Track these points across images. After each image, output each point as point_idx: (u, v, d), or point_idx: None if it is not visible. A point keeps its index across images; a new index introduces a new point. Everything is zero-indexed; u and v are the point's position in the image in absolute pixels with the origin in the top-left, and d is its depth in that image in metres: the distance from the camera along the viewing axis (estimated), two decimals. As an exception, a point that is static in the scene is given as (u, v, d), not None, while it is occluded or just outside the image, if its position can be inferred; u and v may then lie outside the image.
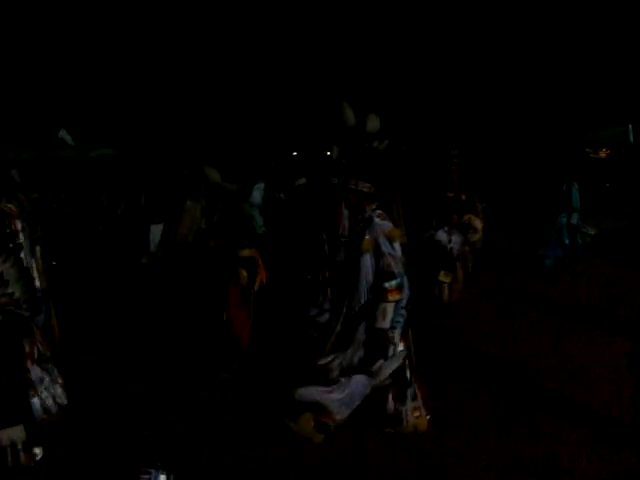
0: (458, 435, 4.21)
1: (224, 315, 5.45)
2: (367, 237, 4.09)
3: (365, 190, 4.21)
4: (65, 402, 4.58)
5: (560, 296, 7.77)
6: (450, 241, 7.04)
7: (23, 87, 15.03)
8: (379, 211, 4.20)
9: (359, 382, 4.10)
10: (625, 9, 19.58)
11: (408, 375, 4.23)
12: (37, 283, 4.75)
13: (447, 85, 19.10)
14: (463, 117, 18.40)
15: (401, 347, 4.13)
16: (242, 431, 4.35)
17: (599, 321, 6.59)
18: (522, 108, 19.27)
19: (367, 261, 4.09)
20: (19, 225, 4.71)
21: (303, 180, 8.54)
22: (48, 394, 4.49)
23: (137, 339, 6.38)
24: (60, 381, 4.63)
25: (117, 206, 9.63)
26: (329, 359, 4.16)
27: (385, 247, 4.05)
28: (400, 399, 4.21)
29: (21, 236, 4.66)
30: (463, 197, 7.17)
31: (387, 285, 4.00)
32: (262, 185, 9.94)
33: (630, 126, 19.44)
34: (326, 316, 6.27)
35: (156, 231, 9.20)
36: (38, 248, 5.04)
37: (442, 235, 7.08)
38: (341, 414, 4.10)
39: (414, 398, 4.25)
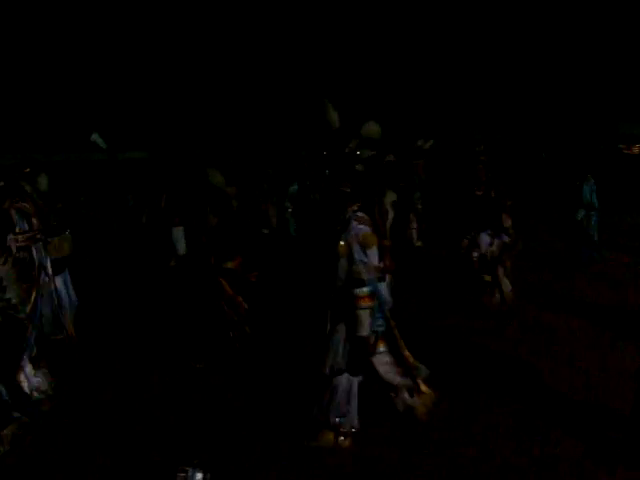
0: (473, 439, 4.22)
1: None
2: (342, 242, 4.08)
3: (347, 191, 4.19)
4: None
5: (588, 296, 7.61)
6: (492, 244, 6.88)
7: (56, 91, 15.32)
8: (360, 213, 4.16)
9: (343, 384, 4.15)
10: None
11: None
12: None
13: (471, 81, 18.89)
14: (488, 113, 18.18)
15: (381, 348, 4.19)
16: (272, 427, 4.41)
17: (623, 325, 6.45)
18: (552, 103, 18.96)
19: (342, 265, 4.09)
20: (36, 222, 4.85)
21: (391, 157, 8.39)
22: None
23: (162, 339, 6.44)
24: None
25: (143, 208, 9.70)
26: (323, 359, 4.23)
27: (357, 254, 4.05)
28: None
29: (35, 231, 4.89)
30: (492, 195, 7.07)
31: (357, 292, 4.04)
32: (295, 187, 9.87)
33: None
34: None
35: (177, 233, 9.23)
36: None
37: (485, 237, 6.92)
38: (350, 423, 4.18)
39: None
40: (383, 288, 4.16)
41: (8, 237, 4.66)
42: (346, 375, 4.15)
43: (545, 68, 19.05)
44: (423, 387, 4.33)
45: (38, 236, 4.99)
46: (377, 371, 4.24)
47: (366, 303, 4.03)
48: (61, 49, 15.28)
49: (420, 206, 10.94)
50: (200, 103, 16.38)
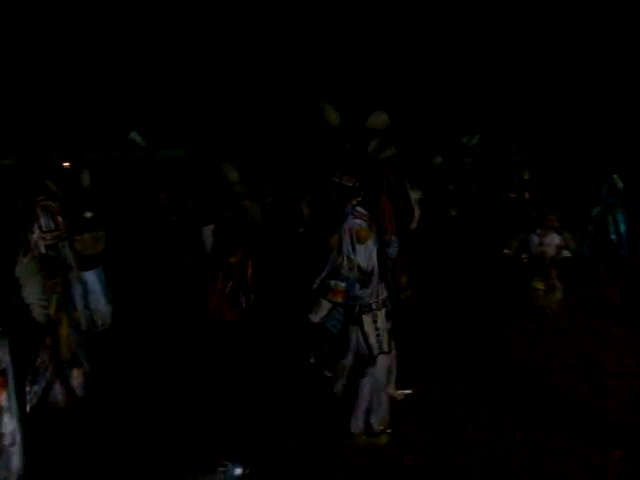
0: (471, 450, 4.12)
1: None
2: (336, 234, 4.00)
3: (349, 185, 4.08)
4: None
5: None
6: (542, 244, 6.59)
7: (95, 89, 15.66)
8: (358, 208, 4.07)
9: (363, 387, 4.10)
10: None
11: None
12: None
13: (499, 78, 18.46)
14: (518, 112, 17.72)
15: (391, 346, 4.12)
16: (305, 423, 4.43)
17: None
18: (583, 99, 18.37)
19: (333, 257, 4.01)
20: (60, 220, 4.93)
21: (439, 159, 8.23)
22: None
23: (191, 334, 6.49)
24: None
25: (174, 206, 9.74)
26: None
27: (346, 248, 3.95)
28: None
29: (62, 229, 4.93)
30: (527, 196, 6.89)
31: (332, 283, 3.92)
32: None
33: None
34: None
35: (207, 232, 9.24)
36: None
37: (534, 238, 6.66)
38: (378, 423, 4.14)
39: None
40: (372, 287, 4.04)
41: (34, 235, 4.72)
42: (366, 378, 4.10)
43: (571, 64, 18.55)
44: None
45: (64, 234, 5.03)
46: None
47: (335, 297, 3.92)
48: (99, 48, 15.63)
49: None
50: (237, 101, 16.49)
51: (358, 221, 4.01)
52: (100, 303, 6.75)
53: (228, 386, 5.16)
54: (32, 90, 14.46)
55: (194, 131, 14.72)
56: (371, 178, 4.32)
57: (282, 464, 3.95)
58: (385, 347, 4.07)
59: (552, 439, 4.15)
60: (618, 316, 6.53)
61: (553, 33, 18.11)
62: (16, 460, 3.24)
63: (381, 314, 4.08)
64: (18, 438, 3.24)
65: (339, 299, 3.93)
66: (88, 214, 6.73)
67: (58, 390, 4.77)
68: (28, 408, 4.09)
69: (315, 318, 3.96)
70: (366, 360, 4.06)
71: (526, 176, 6.96)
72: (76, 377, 4.90)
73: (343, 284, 3.92)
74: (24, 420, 3.42)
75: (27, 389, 4.22)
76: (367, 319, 4.05)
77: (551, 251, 6.47)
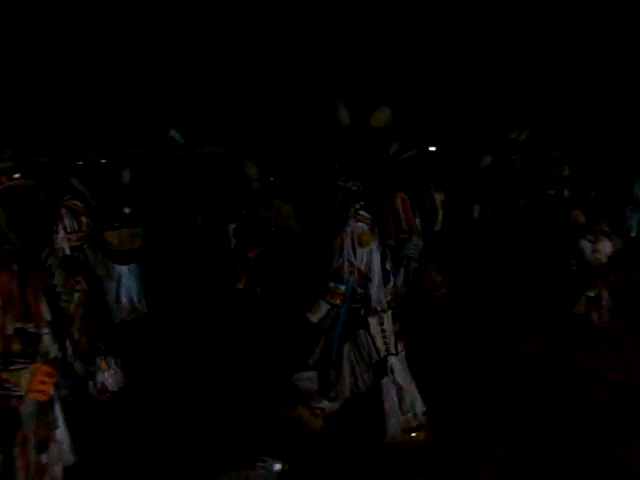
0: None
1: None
2: (338, 237, 4.00)
3: (353, 189, 4.08)
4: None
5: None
6: (595, 250, 6.18)
7: (134, 87, 15.92)
8: (362, 212, 4.05)
9: (386, 388, 4.05)
10: None
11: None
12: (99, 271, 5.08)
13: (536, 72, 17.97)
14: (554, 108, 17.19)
15: (400, 348, 4.09)
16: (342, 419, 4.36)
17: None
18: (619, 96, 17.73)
19: (335, 260, 4.00)
20: (85, 220, 4.99)
21: (488, 159, 8.10)
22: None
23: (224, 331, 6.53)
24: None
25: (204, 203, 9.72)
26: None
27: (347, 250, 3.95)
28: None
29: (86, 230, 4.97)
30: (566, 193, 6.65)
31: (331, 285, 3.95)
32: None
33: None
34: None
35: (232, 230, 9.19)
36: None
37: (586, 245, 6.22)
38: (329, 406, 4.18)
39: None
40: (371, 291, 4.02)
41: (59, 236, 4.75)
42: (385, 379, 4.08)
43: (611, 60, 17.94)
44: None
45: (89, 235, 5.03)
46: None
47: (333, 299, 3.96)
48: (141, 47, 15.88)
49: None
50: (274, 97, 16.53)
51: (360, 224, 4.00)
52: (135, 297, 6.95)
53: (265, 381, 5.13)
54: (74, 88, 14.78)
55: (232, 128, 14.83)
56: (384, 180, 4.32)
57: (320, 461, 3.93)
58: (392, 349, 4.05)
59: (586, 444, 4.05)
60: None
61: (599, 27, 17.60)
62: (67, 450, 3.27)
63: (387, 316, 4.06)
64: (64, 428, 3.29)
65: (337, 301, 3.97)
66: (126, 210, 6.85)
67: (92, 385, 4.83)
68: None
69: (314, 318, 4.01)
70: (378, 363, 4.06)
71: (566, 172, 6.72)
72: (106, 371, 4.95)
73: (343, 287, 3.96)
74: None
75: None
76: (373, 321, 4.04)
77: (603, 258, 6.11)
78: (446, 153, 12.19)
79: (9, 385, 2.79)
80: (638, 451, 3.87)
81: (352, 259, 3.95)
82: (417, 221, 6.59)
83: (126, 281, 6.82)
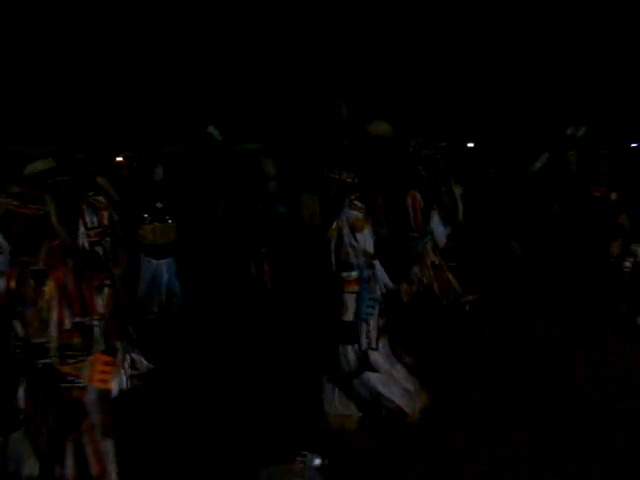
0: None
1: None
2: (334, 225, 4.12)
3: (348, 180, 4.20)
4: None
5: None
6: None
7: (173, 83, 16.10)
8: (356, 202, 4.18)
9: (369, 381, 4.15)
10: None
11: None
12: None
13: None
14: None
15: (383, 343, 4.16)
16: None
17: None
18: None
19: (331, 248, 4.13)
20: (106, 216, 5.00)
21: (539, 163, 7.91)
22: None
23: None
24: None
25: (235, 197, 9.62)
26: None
27: (347, 237, 4.09)
28: None
29: (108, 226, 5.02)
30: (614, 197, 6.30)
31: (344, 275, 4.09)
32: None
33: None
34: None
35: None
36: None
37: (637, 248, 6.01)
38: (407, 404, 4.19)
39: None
40: (377, 272, 4.13)
41: (79, 232, 4.83)
42: (367, 373, 4.13)
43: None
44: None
45: (109, 231, 5.08)
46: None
47: (352, 287, 4.07)
48: (180, 43, 16.06)
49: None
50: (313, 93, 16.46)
51: (354, 212, 4.15)
52: (170, 291, 6.91)
53: (304, 375, 5.09)
54: (114, 86, 15.02)
55: (271, 124, 14.81)
56: (370, 174, 4.48)
57: (359, 456, 3.95)
58: (373, 344, 4.13)
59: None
60: None
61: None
62: None
63: (374, 311, 4.16)
64: None
65: (355, 287, 4.08)
66: (159, 205, 6.89)
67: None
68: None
69: (349, 317, 4.08)
70: (359, 357, 4.14)
71: (614, 174, 6.35)
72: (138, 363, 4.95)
73: (354, 272, 4.09)
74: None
75: None
76: None
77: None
78: (489, 149, 11.83)
79: (72, 378, 2.91)
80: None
81: (354, 243, 4.09)
82: (436, 218, 6.57)
83: (161, 275, 6.83)
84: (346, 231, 4.11)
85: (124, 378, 4.87)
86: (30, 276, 2.94)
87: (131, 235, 6.18)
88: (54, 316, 2.90)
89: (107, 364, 2.95)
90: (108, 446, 3.02)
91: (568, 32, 17.12)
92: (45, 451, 2.98)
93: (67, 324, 2.91)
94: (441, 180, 7.36)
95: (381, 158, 5.33)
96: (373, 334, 4.12)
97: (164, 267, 6.90)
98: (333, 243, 4.13)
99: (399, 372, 4.29)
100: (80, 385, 2.91)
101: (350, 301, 4.08)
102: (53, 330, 2.89)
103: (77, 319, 2.93)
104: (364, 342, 4.10)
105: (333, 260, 4.13)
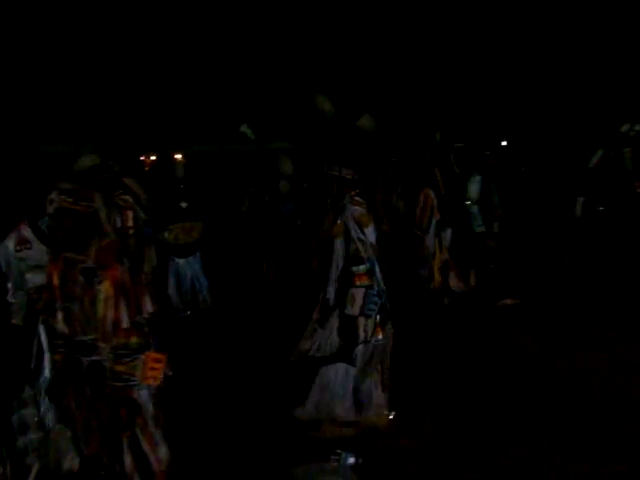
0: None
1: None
2: (338, 222, 4.14)
3: (348, 177, 4.20)
4: None
5: None
6: None
7: (209, 83, 16.12)
8: (357, 197, 4.18)
9: (338, 373, 4.12)
10: None
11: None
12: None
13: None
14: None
15: (380, 337, 4.13)
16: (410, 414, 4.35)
17: None
18: None
19: (338, 246, 4.13)
20: (130, 216, 5.07)
21: (600, 153, 7.82)
22: None
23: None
24: None
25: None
26: (307, 345, 4.28)
27: (354, 232, 4.10)
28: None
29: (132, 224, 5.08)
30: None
31: (354, 269, 4.07)
32: (478, 178, 8.93)
33: None
34: None
35: None
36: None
37: None
38: (345, 413, 4.15)
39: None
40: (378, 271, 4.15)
41: None
42: (343, 364, 4.12)
43: None
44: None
45: (131, 232, 5.13)
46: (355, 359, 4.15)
47: (362, 281, 4.07)
48: (215, 42, 16.10)
49: None
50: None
51: (357, 208, 4.16)
52: (195, 289, 7.02)
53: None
54: (148, 85, 15.09)
55: (301, 123, 14.74)
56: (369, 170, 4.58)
57: (394, 455, 3.93)
58: (368, 337, 4.13)
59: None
60: None
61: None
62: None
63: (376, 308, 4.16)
64: None
65: (366, 281, 4.07)
66: (183, 204, 6.94)
67: None
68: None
69: (355, 311, 4.08)
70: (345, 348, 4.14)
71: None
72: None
73: (363, 266, 4.08)
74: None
75: None
76: None
77: None
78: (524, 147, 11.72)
79: (127, 376, 2.93)
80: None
81: (362, 237, 4.10)
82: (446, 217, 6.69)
83: (186, 274, 6.90)
84: (352, 225, 4.12)
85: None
86: (79, 273, 2.93)
87: (158, 234, 6.21)
88: (111, 315, 2.90)
89: (158, 361, 2.96)
90: (160, 435, 3.07)
91: (625, 27, 16.84)
92: (91, 447, 2.99)
93: (125, 323, 2.92)
94: (491, 176, 7.42)
95: (375, 153, 5.31)
96: (370, 328, 4.12)
97: (187, 265, 6.96)
98: (339, 241, 4.15)
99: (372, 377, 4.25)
100: (134, 383, 2.94)
101: (358, 295, 4.08)
102: (110, 330, 2.91)
103: (136, 318, 2.96)
104: (361, 335, 4.11)
105: (342, 255, 4.14)
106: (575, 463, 3.70)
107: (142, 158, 10.05)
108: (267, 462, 3.86)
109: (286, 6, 16.54)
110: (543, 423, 4.25)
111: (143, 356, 2.94)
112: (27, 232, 3.73)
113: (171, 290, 6.79)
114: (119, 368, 2.92)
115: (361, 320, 4.08)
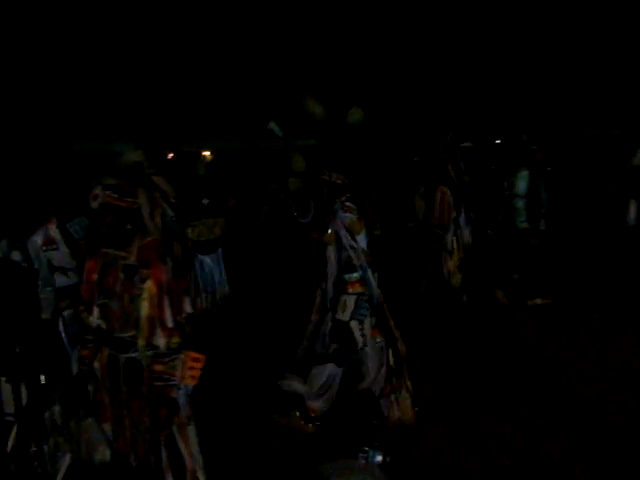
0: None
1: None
2: (330, 230, 4.15)
3: (338, 182, 4.21)
4: None
5: None
6: None
7: (236, 80, 16.18)
8: (347, 203, 4.18)
9: (328, 372, 4.18)
10: None
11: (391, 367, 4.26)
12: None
13: None
14: None
15: (378, 339, 4.18)
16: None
17: None
18: None
19: (330, 253, 4.15)
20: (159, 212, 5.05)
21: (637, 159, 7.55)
22: None
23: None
24: None
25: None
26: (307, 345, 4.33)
27: (345, 240, 4.11)
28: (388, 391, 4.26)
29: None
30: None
31: (347, 277, 4.10)
32: (526, 173, 8.81)
33: None
34: None
35: None
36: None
37: None
38: (319, 406, 4.21)
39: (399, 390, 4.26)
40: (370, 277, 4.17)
41: None
42: (331, 365, 4.19)
43: None
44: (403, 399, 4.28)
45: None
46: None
47: (355, 289, 4.11)
48: (243, 42, 16.15)
49: None
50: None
51: (348, 214, 4.17)
52: (216, 286, 7.00)
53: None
54: (176, 81, 15.16)
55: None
56: (359, 175, 4.50)
57: (421, 454, 3.96)
58: (367, 340, 4.17)
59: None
60: None
61: None
62: None
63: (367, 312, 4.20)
64: None
65: (358, 289, 4.11)
66: (205, 201, 6.96)
67: None
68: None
69: (345, 317, 4.11)
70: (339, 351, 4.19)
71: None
72: None
73: (356, 274, 4.11)
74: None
75: None
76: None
77: None
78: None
79: (167, 376, 2.93)
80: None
81: (354, 244, 4.12)
82: (463, 215, 6.70)
83: (209, 270, 6.90)
84: (343, 233, 4.13)
85: None
86: (120, 270, 2.94)
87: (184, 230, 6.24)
88: (155, 314, 2.91)
89: (197, 361, 2.96)
90: (193, 433, 3.08)
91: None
92: (120, 443, 3.01)
93: (170, 323, 2.92)
94: (538, 172, 7.31)
95: (369, 153, 5.30)
96: (367, 332, 4.16)
97: (209, 261, 6.99)
98: (332, 249, 4.17)
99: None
100: (173, 383, 2.93)
101: (350, 302, 4.11)
102: (152, 328, 2.91)
103: (178, 318, 2.96)
104: (359, 339, 4.14)
105: (335, 263, 4.16)
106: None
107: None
108: (294, 460, 3.90)
109: (309, 7, 16.60)
110: (569, 426, 4.26)
111: (182, 356, 2.94)
112: (54, 232, 3.75)
113: (194, 286, 6.80)
114: (158, 367, 2.92)
115: (354, 325, 4.12)
